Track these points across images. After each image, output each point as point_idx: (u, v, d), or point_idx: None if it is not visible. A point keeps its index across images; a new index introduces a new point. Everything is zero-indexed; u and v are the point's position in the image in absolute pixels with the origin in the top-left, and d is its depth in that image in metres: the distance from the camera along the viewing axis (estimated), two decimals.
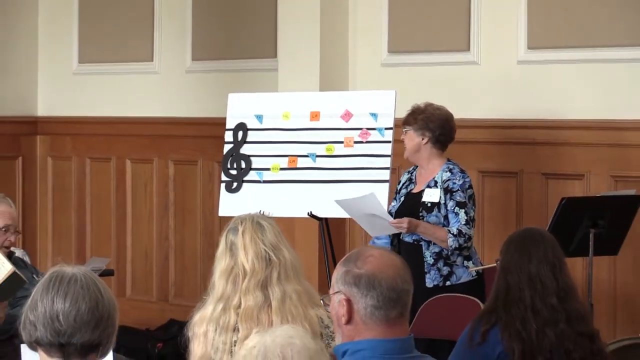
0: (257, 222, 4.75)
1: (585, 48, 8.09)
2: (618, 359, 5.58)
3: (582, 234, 7.07)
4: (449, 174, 7.08)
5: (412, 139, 7.15)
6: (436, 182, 7.07)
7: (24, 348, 4.40)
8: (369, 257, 3.80)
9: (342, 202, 7.14)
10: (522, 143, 8.32)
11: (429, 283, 6.95)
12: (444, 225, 6.98)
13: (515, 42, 8.38)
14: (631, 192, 7.43)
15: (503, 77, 8.43)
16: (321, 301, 4.76)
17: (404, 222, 6.87)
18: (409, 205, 7.07)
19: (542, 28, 8.27)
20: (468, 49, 8.59)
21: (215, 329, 4.63)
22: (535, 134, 8.27)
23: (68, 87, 10.89)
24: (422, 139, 7.14)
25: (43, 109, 11.05)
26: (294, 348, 2.98)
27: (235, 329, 4.60)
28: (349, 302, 3.77)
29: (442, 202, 7.01)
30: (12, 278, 5.98)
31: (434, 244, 6.96)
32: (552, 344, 5.05)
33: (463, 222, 6.96)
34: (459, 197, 7.00)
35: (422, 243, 7.00)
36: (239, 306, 4.63)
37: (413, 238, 7.03)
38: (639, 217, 7.32)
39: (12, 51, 10.89)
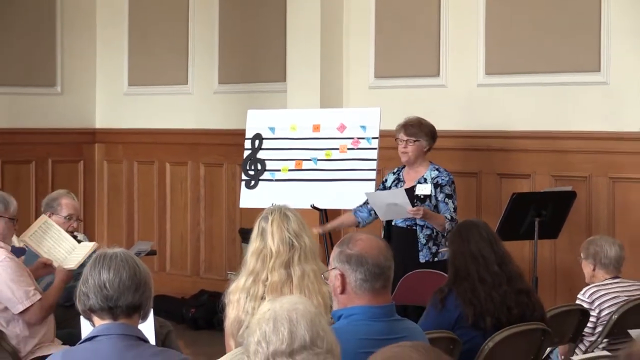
0: (284, 213, 4.69)
1: (531, 74, 8.08)
2: (559, 320, 5.57)
3: (529, 222, 7.07)
4: (437, 172, 7.12)
5: (418, 147, 7.14)
6: (426, 179, 7.10)
7: (83, 321, 4.40)
8: (358, 241, 3.81)
9: (370, 194, 7.13)
10: (480, 149, 8.32)
11: (422, 259, 6.97)
12: None
13: (475, 70, 8.38)
14: (568, 188, 7.43)
15: (465, 97, 8.43)
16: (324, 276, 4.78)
17: (421, 210, 6.88)
18: None
19: (497, 58, 8.27)
20: (438, 75, 8.59)
21: (246, 297, 4.60)
22: (491, 142, 8.27)
23: (120, 104, 10.89)
24: (424, 147, 7.16)
25: (100, 123, 11.05)
26: (297, 312, 2.98)
27: (263, 298, 4.58)
28: (342, 276, 3.78)
29: (433, 194, 7.04)
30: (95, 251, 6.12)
31: (426, 227, 6.97)
32: (497, 304, 5.06)
33: (452, 210, 7.03)
34: (447, 190, 7.06)
35: (416, 227, 7.01)
36: (267, 280, 4.60)
37: (407, 224, 7.04)
38: (574, 208, 7.32)
39: (75, 77, 10.89)
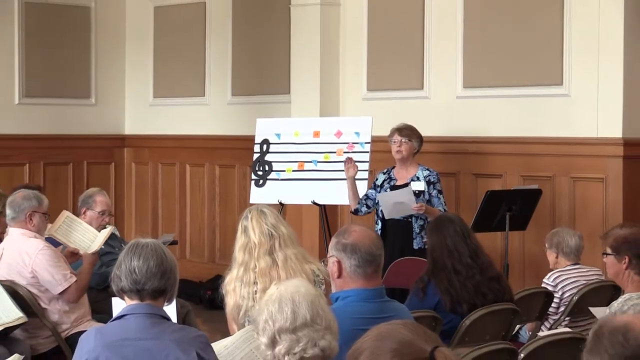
0: (260, 210, 4.73)
1: (503, 87, 8.08)
2: (527, 301, 5.57)
3: (500, 216, 7.07)
4: (427, 172, 7.13)
5: (411, 147, 7.15)
6: (418, 178, 7.10)
7: (114, 300, 4.41)
8: (353, 232, 3.81)
9: (381, 195, 7.07)
10: (459, 153, 8.31)
11: (415, 246, 6.98)
12: None
13: (454, 83, 8.38)
14: (534, 186, 7.43)
15: (446, 108, 8.43)
16: (311, 259, 4.76)
17: (424, 206, 6.90)
18: None
19: (473, 74, 8.27)
20: (422, 88, 8.59)
21: (241, 284, 4.61)
22: (468, 146, 8.27)
23: (146, 114, 10.90)
24: (415, 148, 7.16)
25: (128, 129, 11.05)
26: (300, 294, 2.99)
27: (255, 283, 4.59)
28: (339, 263, 3.77)
29: (426, 190, 7.03)
30: (117, 239, 6.18)
31: (420, 218, 6.98)
32: (471, 292, 5.04)
33: (444, 204, 7.07)
34: (438, 187, 7.10)
35: (412, 219, 7.01)
36: (255, 267, 4.62)
37: (403, 217, 7.03)
38: (540, 204, 7.32)
39: (107, 90, 10.91)
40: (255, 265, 4.62)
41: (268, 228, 4.66)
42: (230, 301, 4.65)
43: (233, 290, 4.64)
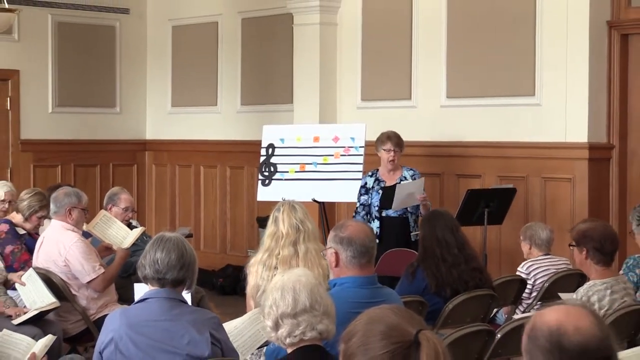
0: (292, 205, 4.73)
1: (482, 97, 8.09)
2: (503, 288, 5.58)
3: (480, 212, 7.07)
4: (412, 172, 7.13)
5: (400, 154, 7.14)
6: (406, 177, 7.08)
7: (136, 286, 4.42)
8: (349, 226, 3.83)
9: (399, 185, 6.99)
10: (443, 156, 8.32)
11: (412, 238, 6.96)
12: None
13: (439, 94, 8.38)
14: (509, 186, 7.44)
15: (431, 115, 8.43)
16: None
17: (426, 197, 6.91)
18: (391, 194, 7.03)
19: (456, 85, 8.27)
20: (410, 98, 8.59)
21: (263, 267, 4.61)
22: (451, 150, 8.27)
23: (165, 121, 10.90)
24: (401, 154, 7.17)
25: (150, 135, 11.05)
26: (301, 282, 3.00)
27: (276, 268, 4.59)
28: (336, 254, 3.79)
29: None
30: (142, 234, 6.17)
31: (413, 213, 6.98)
32: (455, 278, 5.05)
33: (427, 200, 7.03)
34: None
35: (407, 215, 7.00)
36: (279, 254, 4.62)
37: (398, 213, 7.01)
38: (515, 201, 7.32)
39: (130, 100, 10.92)
40: (279, 253, 4.62)
41: (296, 222, 4.65)
42: (251, 281, 4.66)
43: (255, 271, 4.64)
